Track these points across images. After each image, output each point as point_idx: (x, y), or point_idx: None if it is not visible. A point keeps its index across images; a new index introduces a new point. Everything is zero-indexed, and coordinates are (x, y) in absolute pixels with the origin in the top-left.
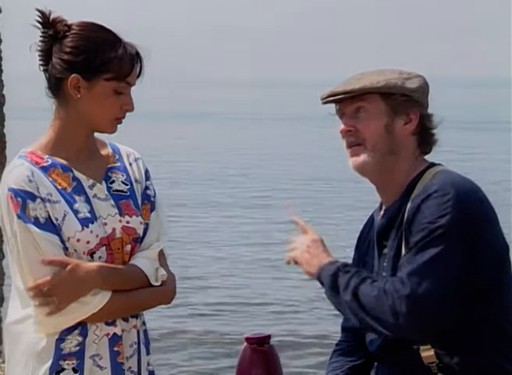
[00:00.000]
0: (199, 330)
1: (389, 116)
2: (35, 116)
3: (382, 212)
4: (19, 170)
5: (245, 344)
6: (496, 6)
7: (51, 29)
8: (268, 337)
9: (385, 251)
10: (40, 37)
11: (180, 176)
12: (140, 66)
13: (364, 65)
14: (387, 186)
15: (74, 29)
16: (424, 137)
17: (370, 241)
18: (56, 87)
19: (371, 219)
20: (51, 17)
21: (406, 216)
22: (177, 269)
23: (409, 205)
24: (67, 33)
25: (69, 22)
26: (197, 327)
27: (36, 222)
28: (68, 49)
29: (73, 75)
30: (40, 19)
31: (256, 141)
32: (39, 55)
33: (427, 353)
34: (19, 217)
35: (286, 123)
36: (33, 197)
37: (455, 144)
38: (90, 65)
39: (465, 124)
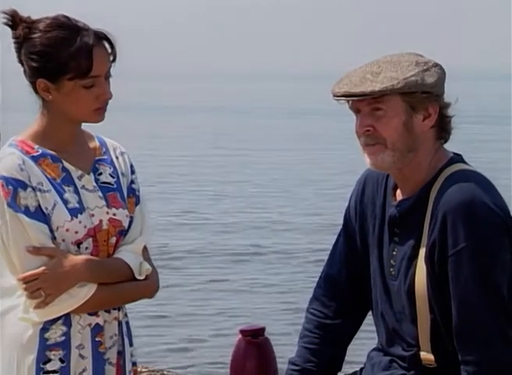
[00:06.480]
0: None
1: (408, 113)
2: (29, 108)
3: (396, 201)
4: (10, 159)
5: (240, 336)
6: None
7: (17, 31)
8: (263, 329)
9: (396, 239)
10: (12, 38)
11: None
12: (113, 51)
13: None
14: (406, 180)
15: (33, 31)
16: (443, 127)
17: (380, 215)
18: (32, 87)
19: (383, 192)
20: (17, 18)
21: (430, 236)
22: None
23: (428, 217)
24: (28, 37)
25: (33, 19)
26: None
27: (26, 210)
28: (29, 55)
29: (39, 80)
30: (7, 21)
31: None
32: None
33: (427, 356)
34: (9, 206)
35: None
36: (24, 185)
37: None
38: (50, 69)
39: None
